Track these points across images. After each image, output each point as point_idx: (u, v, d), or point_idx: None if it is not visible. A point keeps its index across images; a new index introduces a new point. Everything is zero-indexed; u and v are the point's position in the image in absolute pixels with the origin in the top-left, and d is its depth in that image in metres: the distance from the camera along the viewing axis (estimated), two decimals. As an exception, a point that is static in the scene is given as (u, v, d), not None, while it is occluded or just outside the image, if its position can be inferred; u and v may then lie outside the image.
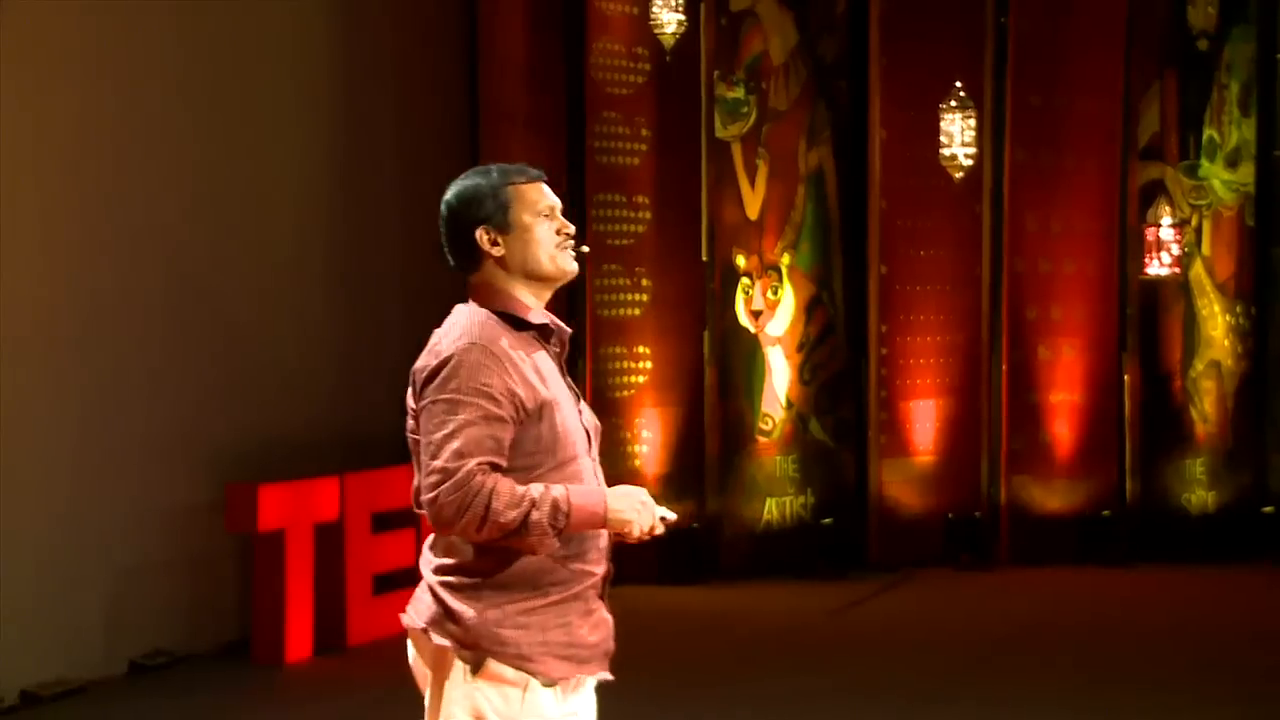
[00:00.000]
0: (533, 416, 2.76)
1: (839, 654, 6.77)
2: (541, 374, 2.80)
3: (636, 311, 8.23)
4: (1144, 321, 9.01)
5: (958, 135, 7.89)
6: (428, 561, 2.84)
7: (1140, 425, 8.97)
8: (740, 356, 8.51)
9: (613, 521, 2.76)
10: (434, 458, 2.72)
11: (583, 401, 2.93)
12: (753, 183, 8.52)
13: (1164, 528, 8.95)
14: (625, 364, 8.20)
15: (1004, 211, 8.82)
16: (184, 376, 6.49)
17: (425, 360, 2.80)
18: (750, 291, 8.52)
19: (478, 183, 2.89)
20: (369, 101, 7.46)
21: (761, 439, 8.56)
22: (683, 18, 7.12)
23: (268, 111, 6.93)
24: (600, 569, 2.84)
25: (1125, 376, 8.95)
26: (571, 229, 2.91)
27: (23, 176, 5.86)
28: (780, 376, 8.64)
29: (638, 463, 8.19)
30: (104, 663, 6.14)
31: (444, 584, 2.78)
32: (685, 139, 8.25)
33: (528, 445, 2.76)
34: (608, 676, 2.89)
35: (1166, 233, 8.70)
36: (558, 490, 2.72)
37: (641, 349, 8.23)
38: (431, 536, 2.87)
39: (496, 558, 2.74)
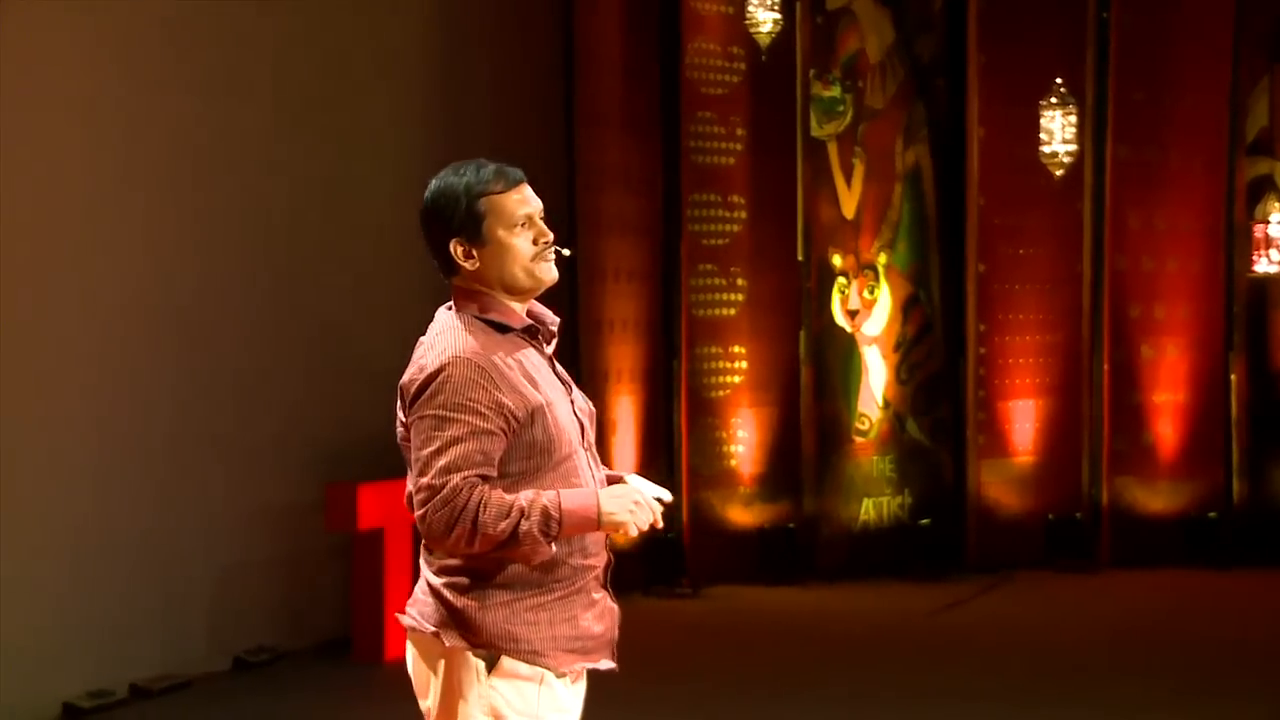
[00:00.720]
0: (524, 423, 2.71)
1: (937, 656, 6.72)
2: (530, 376, 2.75)
3: (732, 311, 8.21)
4: (1251, 320, 8.81)
5: (1058, 132, 7.80)
6: (429, 562, 2.80)
7: (1248, 425, 8.77)
8: (836, 356, 8.46)
9: (606, 524, 2.72)
10: (422, 474, 2.69)
11: (575, 390, 2.88)
12: (849, 182, 8.46)
13: (1272, 530, 8.74)
14: (721, 364, 8.18)
15: (1105, 209, 8.68)
16: (284, 377, 6.57)
17: (411, 374, 2.76)
18: (846, 291, 8.47)
19: (453, 188, 2.78)
20: (465, 103, 7.50)
21: (858, 439, 8.50)
22: (778, 16, 7.08)
23: (364, 114, 7.00)
24: (600, 560, 2.82)
25: (1232, 376, 8.76)
26: (550, 236, 2.80)
27: (124, 177, 5.97)
28: (877, 376, 8.58)
29: (733, 463, 8.17)
30: (208, 658, 6.24)
31: (449, 585, 2.75)
32: (781, 138, 8.21)
33: (522, 451, 2.72)
34: (612, 665, 2.86)
35: (1276, 229, 8.50)
36: (548, 496, 2.69)
37: (737, 349, 8.21)
38: None
39: (498, 557, 2.72)
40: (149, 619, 6.01)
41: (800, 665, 6.55)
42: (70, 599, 5.73)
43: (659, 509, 2.77)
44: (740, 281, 8.20)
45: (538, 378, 2.77)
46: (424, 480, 2.69)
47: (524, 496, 2.68)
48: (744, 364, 8.22)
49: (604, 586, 2.85)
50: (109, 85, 5.89)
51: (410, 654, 2.84)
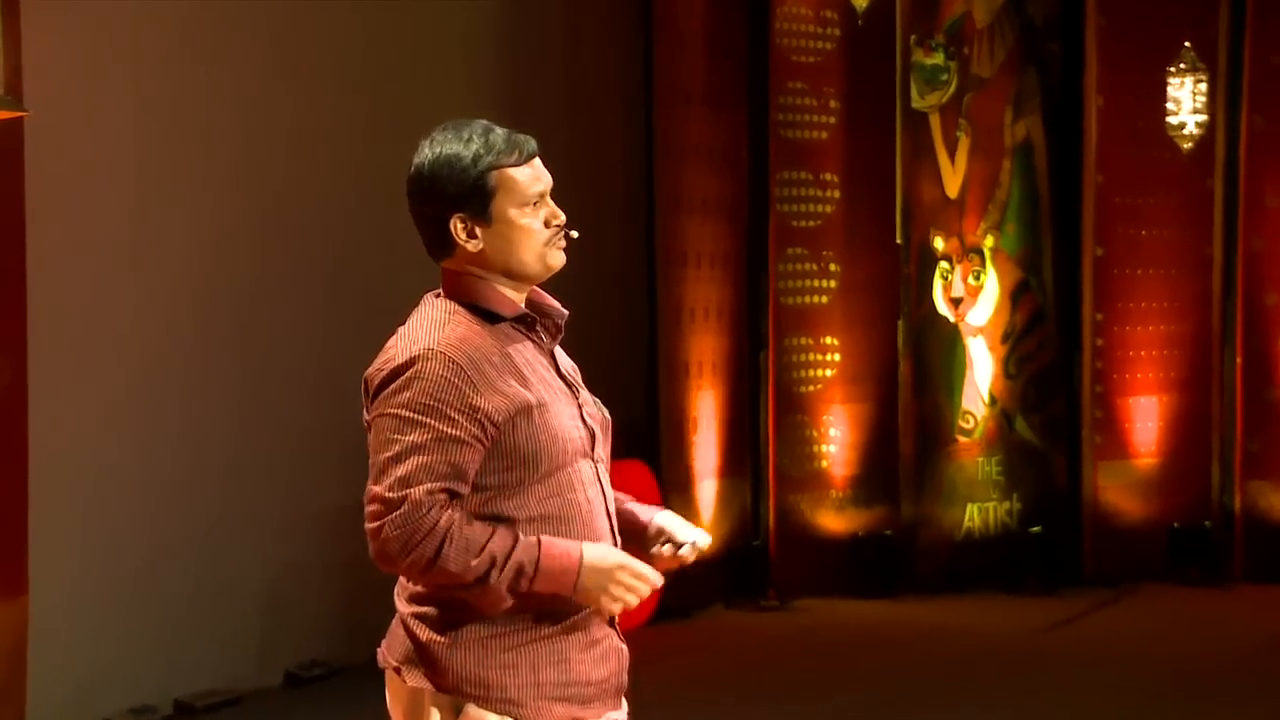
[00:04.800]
0: (504, 429, 2.56)
1: (1048, 677, 6.68)
2: (522, 373, 2.62)
3: (824, 299, 8.19)
4: (1404, 307, 8.66)
5: (1187, 101, 7.73)
6: (402, 589, 2.67)
7: (1398, 424, 8.63)
8: (938, 348, 8.42)
9: (580, 597, 2.58)
10: (376, 481, 2.55)
11: (584, 393, 2.75)
12: (953, 157, 8.41)
13: None
14: (811, 356, 8.17)
15: (1239, 185, 8.55)
16: (339, 373, 6.59)
17: (379, 365, 2.63)
18: (949, 277, 8.42)
19: (457, 156, 2.63)
20: (538, 79, 7.52)
21: (962, 439, 8.47)
22: (876, -24, 7.04)
23: (430, 91, 7.03)
24: None
25: (1381, 369, 8.62)
26: (563, 217, 2.68)
27: (177, 162, 6.05)
28: (983, 370, 8.53)
29: (825, 464, 8.16)
30: (258, 673, 6.30)
31: (418, 616, 2.62)
32: (878, 110, 8.16)
33: (501, 461, 2.58)
34: (618, 715, 2.71)
35: None
36: (525, 550, 2.54)
37: (829, 340, 8.19)
38: None
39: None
40: (195, 630, 6.08)
41: (897, 686, 6.53)
42: (114, 609, 5.82)
43: (652, 583, 2.62)
44: (833, 267, 8.18)
45: (529, 375, 2.63)
46: (377, 489, 2.54)
47: (499, 540, 2.54)
48: (837, 356, 8.20)
49: (609, 623, 2.69)
50: (161, 66, 5.97)
51: (386, 691, 2.75)
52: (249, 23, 6.26)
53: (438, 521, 2.51)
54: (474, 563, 2.52)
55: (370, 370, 2.65)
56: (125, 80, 5.85)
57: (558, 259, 2.69)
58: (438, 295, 2.72)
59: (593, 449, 2.70)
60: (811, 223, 8.15)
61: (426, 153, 2.67)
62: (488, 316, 2.65)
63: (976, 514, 8.49)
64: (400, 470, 2.52)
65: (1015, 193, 8.59)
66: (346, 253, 6.67)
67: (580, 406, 2.72)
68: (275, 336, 6.39)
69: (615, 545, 2.71)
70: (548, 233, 2.67)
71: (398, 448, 2.53)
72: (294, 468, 6.44)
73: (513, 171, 2.64)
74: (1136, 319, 8.63)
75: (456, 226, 2.65)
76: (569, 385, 2.73)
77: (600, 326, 7.36)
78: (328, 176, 6.58)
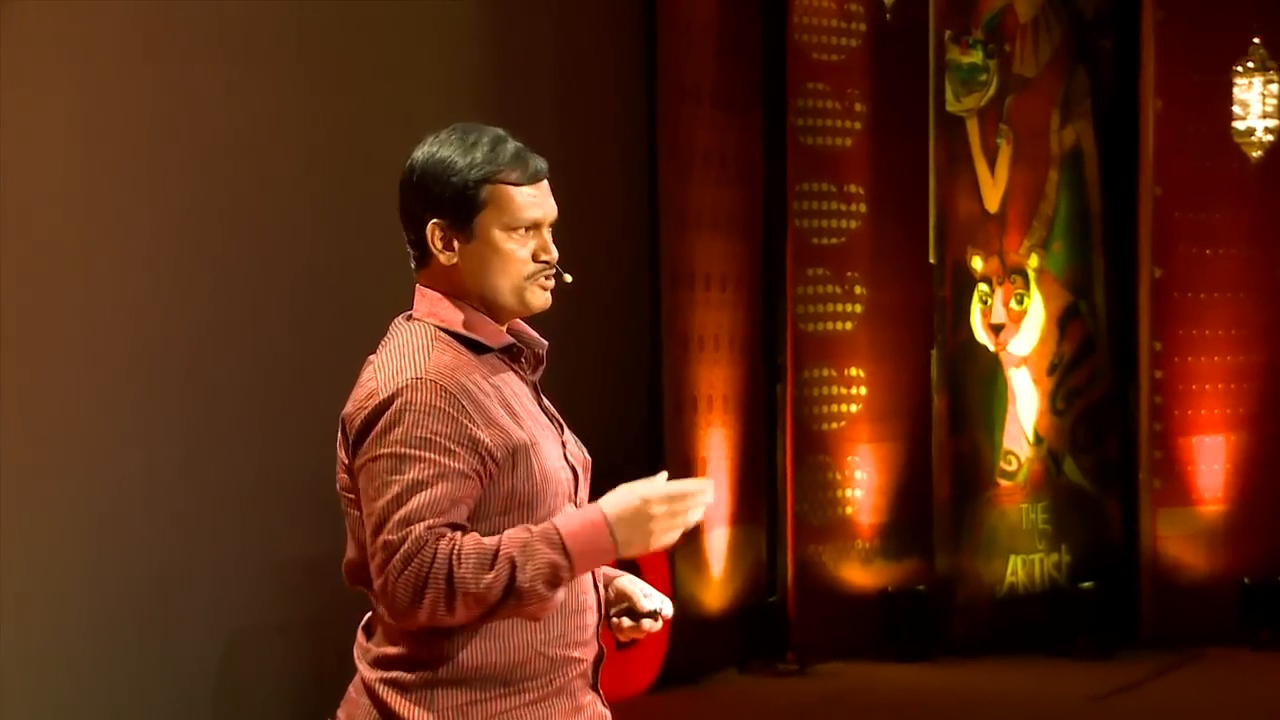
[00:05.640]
0: (504, 466, 2.59)
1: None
2: (511, 407, 2.64)
3: (848, 325, 8.17)
4: None
5: (1255, 104, 7.70)
6: (364, 651, 2.67)
7: None
8: (977, 381, 8.40)
9: (624, 552, 2.57)
10: (377, 531, 2.54)
11: (567, 431, 2.77)
12: (992, 167, 8.41)
13: None
14: (834, 390, 8.15)
15: (1316, 198, 8.56)
16: (306, 407, 6.57)
17: (359, 402, 2.62)
18: (989, 301, 8.41)
19: (450, 160, 2.67)
20: (527, 76, 7.54)
21: (1004, 482, 8.44)
22: (906, -35, 7.05)
23: (406, 94, 7.02)
24: (589, 652, 2.71)
25: None
26: (555, 254, 2.69)
27: (123, 173, 6.03)
28: (1027, 405, 8.51)
29: (849, 511, 8.14)
30: (212, 746, 6.28)
31: (387, 682, 2.62)
32: (909, 115, 8.16)
33: (496, 505, 2.60)
34: None
35: None
36: (540, 539, 2.53)
37: (854, 371, 8.17)
38: (367, 617, 2.71)
39: (453, 644, 2.59)
40: (144, 698, 6.02)
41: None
42: (53, 677, 5.75)
43: (695, 495, 2.63)
44: (858, 289, 8.17)
45: (519, 409, 2.65)
46: (381, 538, 2.53)
47: (508, 539, 2.54)
48: (863, 390, 8.18)
49: (593, 686, 2.73)
50: (114, 66, 5.94)
51: None
52: (204, 18, 6.26)
53: (438, 550, 2.52)
54: (489, 577, 2.52)
55: (349, 409, 2.64)
56: (73, 81, 5.82)
57: (539, 298, 2.70)
58: (409, 319, 2.72)
59: (575, 492, 2.72)
60: (834, 240, 8.14)
61: (426, 149, 2.71)
62: (471, 345, 2.66)
63: (1020, 567, 8.46)
64: (401, 511, 2.54)
65: (1063, 207, 8.60)
66: (312, 276, 6.65)
67: (564, 445, 2.74)
68: (231, 368, 6.36)
69: (599, 597, 2.74)
70: (533, 267, 2.67)
71: (396, 488, 2.54)
72: (253, 514, 6.40)
73: (510, 189, 2.66)
74: (1200, 348, 8.63)
75: (434, 232, 2.68)
76: (553, 421, 2.75)
77: (597, 356, 7.35)
78: (291, 191, 6.57)
